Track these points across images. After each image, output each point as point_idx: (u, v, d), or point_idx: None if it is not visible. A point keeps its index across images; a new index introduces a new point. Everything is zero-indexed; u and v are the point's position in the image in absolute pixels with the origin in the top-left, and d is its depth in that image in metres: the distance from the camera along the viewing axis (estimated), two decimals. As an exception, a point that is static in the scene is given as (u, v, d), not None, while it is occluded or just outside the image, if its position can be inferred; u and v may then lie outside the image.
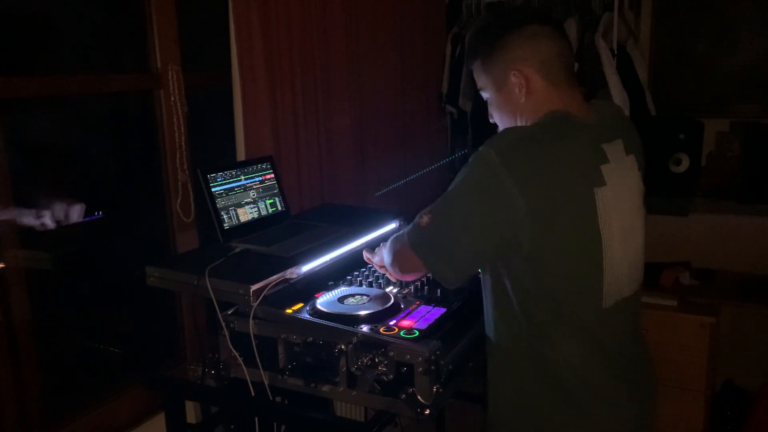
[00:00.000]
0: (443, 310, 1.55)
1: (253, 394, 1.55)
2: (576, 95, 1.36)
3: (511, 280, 1.30)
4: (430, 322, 1.48)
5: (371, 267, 1.83)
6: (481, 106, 1.54)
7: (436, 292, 1.63)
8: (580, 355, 1.30)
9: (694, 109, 3.34)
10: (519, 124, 1.37)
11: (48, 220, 1.94)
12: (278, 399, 1.59)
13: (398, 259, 1.44)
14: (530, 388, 1.33)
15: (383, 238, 2.02)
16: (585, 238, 1.26)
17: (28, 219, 1.82)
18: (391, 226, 2.11)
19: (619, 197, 1.31)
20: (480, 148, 1.24)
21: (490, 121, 1.45)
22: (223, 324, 1.56)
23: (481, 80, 1.40)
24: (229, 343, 1.55)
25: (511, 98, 1.35)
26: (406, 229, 1.37)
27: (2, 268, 1.69)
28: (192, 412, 1.92)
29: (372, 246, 1.72)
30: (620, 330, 1.37)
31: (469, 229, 1.24)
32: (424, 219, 1.29)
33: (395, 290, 1.67)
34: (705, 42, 3.41)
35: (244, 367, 1.55)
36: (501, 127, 1.41)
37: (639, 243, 1.38)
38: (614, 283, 1.31)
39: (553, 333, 1.29)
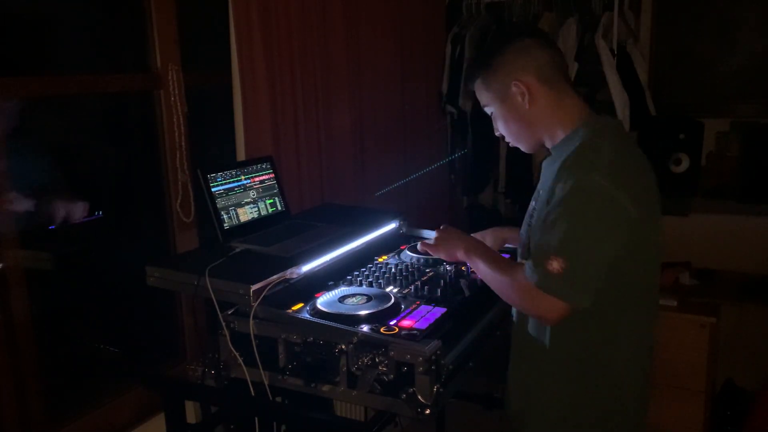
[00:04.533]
0: (443, 309, 1.54)
1: (253, 394, 1.55)
2: (582, 100, 1.45)
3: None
4: (431, 321, 1.48)
5: (371, 267, 1.83)
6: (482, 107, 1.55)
7: (436, 292, 1.63)
8: (637, 354, 1.43)
9: (694, 109, 3.34)
10: (540, 134, 1.46)
11: (48, 220, 1.94)
12: (278, 399, 1.59)
13: (536, 308, 1.35)
14: (590, 388, 1.42)
15: (383, 239, 2.03)
16: (659, 236, 1.40)
17: (28, 219, 1.81)
18: (391, 225, 2.10)
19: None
20: (578, 178, 1.28)
21: (496, 134, 1.54)
22: (223, 324, 1.56)
23: (484, 97, 1.50)
24: (230, 343, 1.55)
25: (515, 108, 1.44)
26: (527, 278, 1.31)
27: (2, 268, 1.69)
28: (192, 412, 1.92)
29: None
30: (654, 324, 1.49)
31: (602, 256, 1.29)
32: (554, 265, 1.26)
33: (395, 290, 1.67)
34: (705, 42, 3.41)
35: (244, 367, 1.54)
36: (520, 141, 1.51)
37: None
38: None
39: (619, 332, 1.39)
